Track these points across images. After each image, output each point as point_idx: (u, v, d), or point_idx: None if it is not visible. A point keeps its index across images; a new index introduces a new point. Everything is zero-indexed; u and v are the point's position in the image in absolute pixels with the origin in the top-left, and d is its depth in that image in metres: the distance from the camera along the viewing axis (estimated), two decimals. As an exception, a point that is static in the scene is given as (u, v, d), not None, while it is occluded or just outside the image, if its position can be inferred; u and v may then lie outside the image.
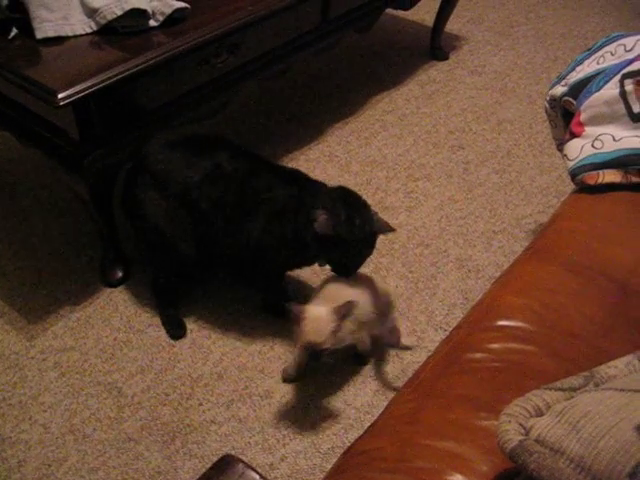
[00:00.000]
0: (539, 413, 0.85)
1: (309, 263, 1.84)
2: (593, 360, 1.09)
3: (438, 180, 2.46)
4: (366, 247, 1.70)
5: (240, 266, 1.82)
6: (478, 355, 1.14)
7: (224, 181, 1.72)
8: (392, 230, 1.71)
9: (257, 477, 0.64)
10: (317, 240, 1.63)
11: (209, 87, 2.03)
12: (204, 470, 1.61)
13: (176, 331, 1.92)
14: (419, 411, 1.04)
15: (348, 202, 1.66)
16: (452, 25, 3.28)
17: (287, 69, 2.35)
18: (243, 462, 0.65)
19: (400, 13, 3.28)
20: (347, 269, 1.71)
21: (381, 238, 2.17)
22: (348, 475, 0.84)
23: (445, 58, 3.16)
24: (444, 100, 2.88)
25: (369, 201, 2.29)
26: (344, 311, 1.53)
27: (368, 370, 1.82)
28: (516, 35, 3.36)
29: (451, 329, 1.30)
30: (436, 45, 3.15)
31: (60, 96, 1.59)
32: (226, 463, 0.65)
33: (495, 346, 1.15)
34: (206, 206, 1.72)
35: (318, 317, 1.53)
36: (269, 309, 1.98)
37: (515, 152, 2.60)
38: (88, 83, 1.64)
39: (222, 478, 0.64)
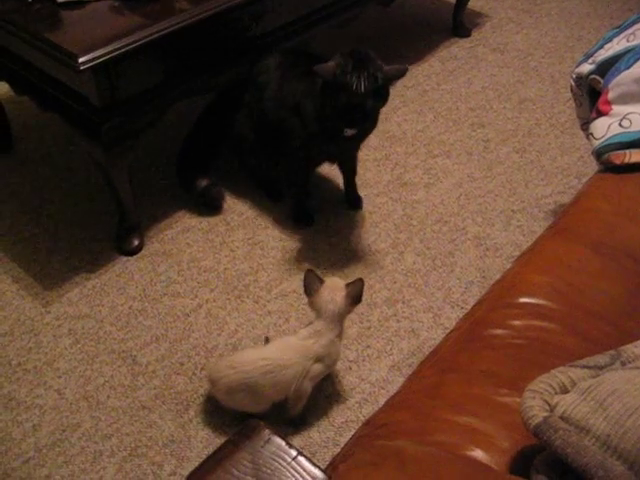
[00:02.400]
0: (564, 390, 0.84)
1: (331, 143, 1.94)
2: (616, 340, 1.08)
3: (458, 157, 2.43)
4: (376, 99, 1.76)
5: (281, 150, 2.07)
6: (499, 331, 1.13)
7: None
8: (404, 69, 1.78)
9: (283, 443, 0.63)
10: (327, 89, 1.75)
11: (230, 56, 2.01)
12: (218, 440, 1.62)
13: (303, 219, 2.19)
14: (440, 386, 1.03)
15: (358, 58, 1.73)
16: (475, 2, 3.24)
17: (308, 41, 2.32)
18: (269, 428, 0.65)
19: (423, -12, 3.25)
20: (359, 121, 1.79)
21: (399, 214, 2.17)
22: (371, 445, 0.83)
23: (467, 35, 3.12)
24: (465, 77, 2.85)
25: (387, 177, 2.28)
26: (355, 290, 1.59)
27: (384, 345, 1.81)
28: (540, 13, 3.31)
29: (469, 306, 1.29)
30: (458, 22, 3.10)
31: (81, 60, 1.58)
32: (252, 429, 0.64)
33: (517, 323, 1.14)
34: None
35: (336, 285, 1.60)
36: (295, 218, 2.17)
37: (536, 131, 2.56)
38: (109, 48, 1.63)
39: (248, 443, 0.63)
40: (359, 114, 1.76)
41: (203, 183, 2.17)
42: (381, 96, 1.78)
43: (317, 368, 1.57)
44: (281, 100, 1.99)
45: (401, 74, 1.80)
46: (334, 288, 1.59)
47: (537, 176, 2.36)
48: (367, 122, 1.85)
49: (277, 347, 1.61)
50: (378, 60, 1.76)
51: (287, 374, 1.54)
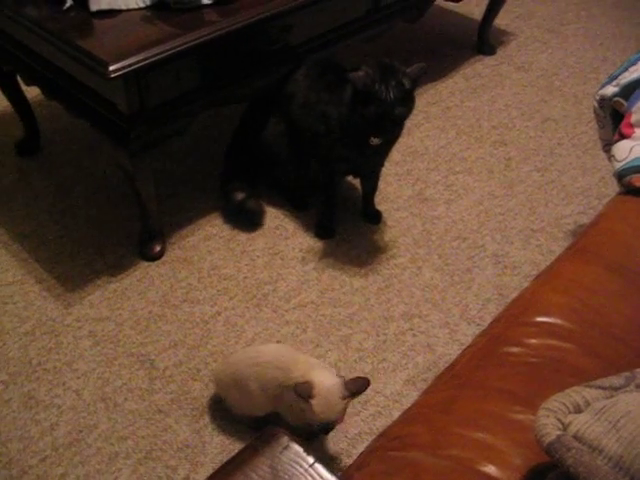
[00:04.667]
0: (578, 410, 0.84)
1: (352, 145, 1.95)
2: (632, 362, 1.08)
3: (479, 175, 2.44)
4: (404, 105, 1.81)
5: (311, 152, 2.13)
6: (515, 349, 1.14)
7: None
8: (424, 66, 1.83)
9: (301, 450, 0.65)
10: (357, 98, 1.79)
11: (258, 67, 2.04)
12: (232, 447, 1.63)
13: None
14: (454, 401, 1.04)
15: (384, 67, 1.79)
16: (501, 20, 3.25)
17: (335, 55, 2.34)
18: (288, 435, 0.66)
19: (450, 5, 3.26)
20: (384, 131, 1.84)
21: (418, 229, 2.18)
22: (386, 456, 0.84)
23: (492, 53, 3.13)
24: (489, 95, 2.86)
25: (408, 192, 2.30)
26: (356, 387, 1.47)
27: (399, 359, 1.82)
28: (566, 33, 3.32)
29: (485, 323, 1.30)
30: (484, 39, 3.12)
31: (111, 68, 1.61)
32: (271, 435, 0.66)
33: (533, 341, 1.15)
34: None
35: (330, 392, 1.45)
36: (318, 227, 2.21)
37: (558, 151, 2.57)
38: (139, 57, 1.66)
39: (267, 449, 0.65)
40: (388, 122, 1.81)
41: (239, 196, 2.19)
42: (408, 103, 1.83)
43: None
44: (308, 109, 2.03)
45: (423, 72, 1.83)
46: (329, 395, 1.44)
47: (557, 196, 2.36)
48: (396, 130, 1.90)
49: (275, 347, 1.62)
50: (402, 67, 1.81)
51: (271, 372, 1.52)
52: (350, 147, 1.94)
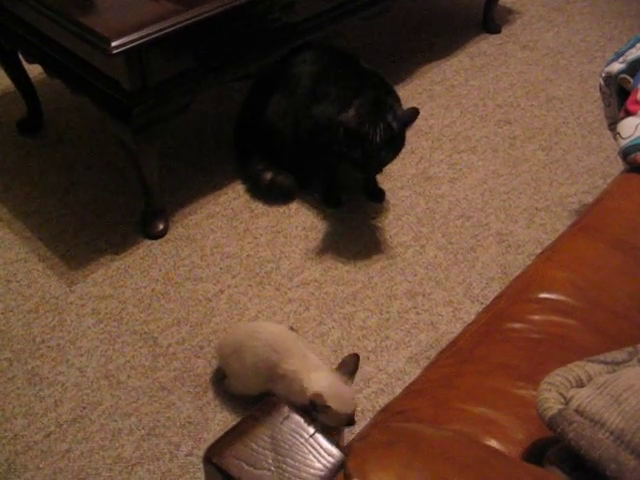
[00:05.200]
0: (580, 384, 0.84)
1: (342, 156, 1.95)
2: (635, 338, 1.08)
3: (483, 153, 2.43)
4: (391, 148, 1.88)
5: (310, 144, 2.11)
6: (518, 325, 1.14)
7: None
8: (416, 111, 1.88)
9: (301, 420, 0.65)
10: (346, 136, 1.83)
11: (260, 45, 2.03)
12: (234, 423, 1.64)
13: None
14: (457, 376, 1.05)
15: (376, 104, 1.86)
16: (506, -2, 3.23)
17: (338, 33, 2.33)
18: (288, 405, 0.66)
19: (454, -17, 3.24)
20: (366, 169, 1.97)
21: (422, 207, 2.18)
22: (387, 427, 0.85)
23: (497, 31, 3.11)
24: (494, 74, 2.84)
25: (412, 170, 2.29)
26: (350, 367, 1.52)
27: (402, 337, 1.82)
28: (571, 12, 3.29)
29: (488, 302, 1.30)
30: (489, 18, 3.09)
31: (113, 44, 1.60)
32: (271, 405, 0.66)
33: (536, 318, 1.15)
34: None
35: (338, 388, 1.48)
36: (325, 199, 2.22)
37: (563, 130, 2.56)
38: (142, 33, 1.65)
39: (268, 419, 0.65)
40: (374, 163, 1.91)
41: (268, 175, 2.20)
42: (396, 144, 1.90)
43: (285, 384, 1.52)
44: (312, 101, 2.04)
45: (414, 117, 1.89)
46: (338, 391, 1.47)
47: (562, 175, 2.35)
48: (379, 170, 2.01)
49: (279, 330, 1.62)
50: (395, 104, 1.90)
51: (267, 353, 1.53)
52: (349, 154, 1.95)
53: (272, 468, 0.61)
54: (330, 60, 2.10)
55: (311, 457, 0.62)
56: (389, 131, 1.82)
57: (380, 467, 0.61)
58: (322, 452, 0.63)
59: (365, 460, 0.62)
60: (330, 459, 0.63)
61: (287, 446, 0.63)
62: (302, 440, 0.64)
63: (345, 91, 1.97)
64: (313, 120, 2.04)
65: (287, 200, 2.22)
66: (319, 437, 0.64)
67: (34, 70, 2.32)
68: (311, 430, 0.64)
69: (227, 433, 0.66)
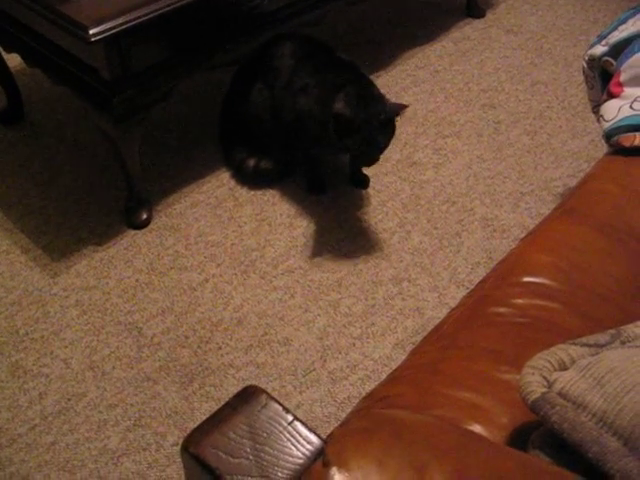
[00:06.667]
0: (563, 367, 0.84)
1: (332, 147, 1.96)
2: (619, 321, 1.07)
3: (468, 138, 2.42)
4: (383, 134, 1.86)
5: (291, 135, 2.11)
6: (502, 309, 1.13)
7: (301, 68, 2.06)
8: (405, 107, 1.91)
9: (280, 408, 0.64)
10: (337, 122, 1.82)
11: (241, 31, 2.01)
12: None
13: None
14: (440, 361, 1.04)
15: (364, 93, 1.88)
16: (490, -18, 3.22)
17: (320, 19, 2.31)
18: (266, 393, 0.66)
19: (438, -33, 3.22)
20: (366, 157, 1.92)
21: (407, 193, 2.17)
22: (368, 414, 0.84)
23: (481, 16, 3.09)
24: (478, 58, 2.83)
25: (396, 156, 2.28)
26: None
27: (388, 323, 1.82)
28: (555, -5, 3.28)
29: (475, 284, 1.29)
30: (472, 2, 3.07)
31: (92, 32, 1.59)
32: (250, 393, 0.65)
33: (520, 301, 1.14)
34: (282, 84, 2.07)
35: None
36: (309, 186, 2.21)
37: (548, 114, 2.55)
38: (120, 20, 1.63)
39: (246, 407, 0.64)
40: (373, 150, 1.88)
41: (251, 162, 2.20)
42: (390, 130, 1.88)
43: None
44: (291, 93, 2.03)
45: (402, 110, 1.91)
46: None
47: (547, 159, 2.35)
48: (378, 157, 1.92)
49: None
50: (381, 93, 1.92)
51: None
52: (327, 147, 1.99)
53: (250, 457, 0.60)
54: (308, 51, 2.08)
55: (290, 445, 0.62)
56: (383, 115, 1.83)
57: (360, 454, 0.60)
58: (301, 440, 0.62)
59: (344, 447, 0.61)
60: (309, 447, 0.62)
61: (265, 434, 0.62)
62: (280, 428, 0.63)
63: (324, 82, 1.96)
64: (293, 112, 2.02)
65: (272, 184, 2.21)
66: (298, 425, 0.64)
67: (14, 60, 2.29)
68: (289, 418, 0.64)
69: (204, 422, 0.65)
